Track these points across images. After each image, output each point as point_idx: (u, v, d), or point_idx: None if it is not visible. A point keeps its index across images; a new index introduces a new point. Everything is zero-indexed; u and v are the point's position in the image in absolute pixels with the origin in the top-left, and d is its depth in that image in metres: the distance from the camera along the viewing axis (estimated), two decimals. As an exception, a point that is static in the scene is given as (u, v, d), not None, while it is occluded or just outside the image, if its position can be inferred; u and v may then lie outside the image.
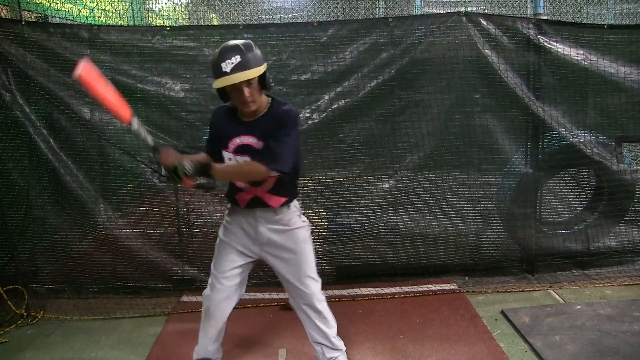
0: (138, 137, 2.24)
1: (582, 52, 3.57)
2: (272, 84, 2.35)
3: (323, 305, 2.56)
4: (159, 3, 6.02)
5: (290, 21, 5.20)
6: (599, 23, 5.14)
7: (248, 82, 2.20)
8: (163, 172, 2.21)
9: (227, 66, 2.16)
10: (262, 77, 2.26)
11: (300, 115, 3.53)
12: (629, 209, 3.91)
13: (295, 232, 2.47)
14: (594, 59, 3.58)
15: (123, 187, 3.73)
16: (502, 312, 3.35)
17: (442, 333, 3.14)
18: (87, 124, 3.50)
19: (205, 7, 6.18)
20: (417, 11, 5.81)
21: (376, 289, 3.69)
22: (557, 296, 3.59)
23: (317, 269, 2.54)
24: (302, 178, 3.66)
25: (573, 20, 5.26)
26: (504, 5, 5.64)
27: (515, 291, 3.67)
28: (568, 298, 3.55)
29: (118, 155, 3.56)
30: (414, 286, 3.74)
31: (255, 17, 5.57)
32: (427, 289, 3.70)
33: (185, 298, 3.65)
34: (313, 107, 3.54)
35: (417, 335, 3.13)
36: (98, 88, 2.16)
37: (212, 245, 2.61)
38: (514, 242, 3.88)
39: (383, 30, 3.51)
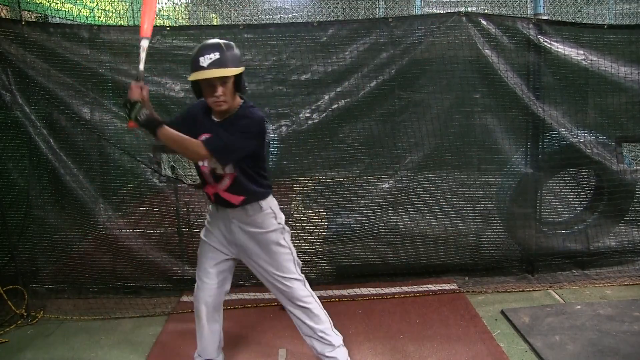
0: (139, 55, 2.29)
1: (582, 52, 3.57)
2: (248, 89, 2.36)
3: (308, 301, 2.56)
4: (158, 3, 5.99)
5: (290, 21, 5.20)
6: (599, 23, 5.16)
7: (223, 82, 2.22)
8: (127, 104, 2.25)
9: (204, 61, 2.19)
10: (238, 80, 2.28)
11: (300, 115, 3.54)
12: (629, 209, 3.91)
13: (266, 235, 2.49)
14: (594, 59, 3.58)
15: (123, 187, 3.73)
16: (502, 312, 3.35)
17: (442, 333, 3.14)
18: (87, 124, 3.50)
19: (205, 7, 6.18)
20: (417, 11, 5.80)
21: (376, 289, 3.69)
22: (557, 296, 3.59)
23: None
24: (302, 178, 3.68)
25: (573, 20, 5.27)
26: (504, 5, 5.63)
27: (515, 291, 3.67)
28: (568, 298, 3.55)
29: (118, 155, 3.56)
30: (414, 286, 3.74)
31: (255, 17, 5.57)
32: (427, 289, 3.71)
33: (185, 298, 3.65)
34: (313, 107, 3.54)
35: (417, 335, 3.13)
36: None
37: (212, 245, 2.61)
38: (514, 242, 3.88)
39: (383, 30, 3.51)
